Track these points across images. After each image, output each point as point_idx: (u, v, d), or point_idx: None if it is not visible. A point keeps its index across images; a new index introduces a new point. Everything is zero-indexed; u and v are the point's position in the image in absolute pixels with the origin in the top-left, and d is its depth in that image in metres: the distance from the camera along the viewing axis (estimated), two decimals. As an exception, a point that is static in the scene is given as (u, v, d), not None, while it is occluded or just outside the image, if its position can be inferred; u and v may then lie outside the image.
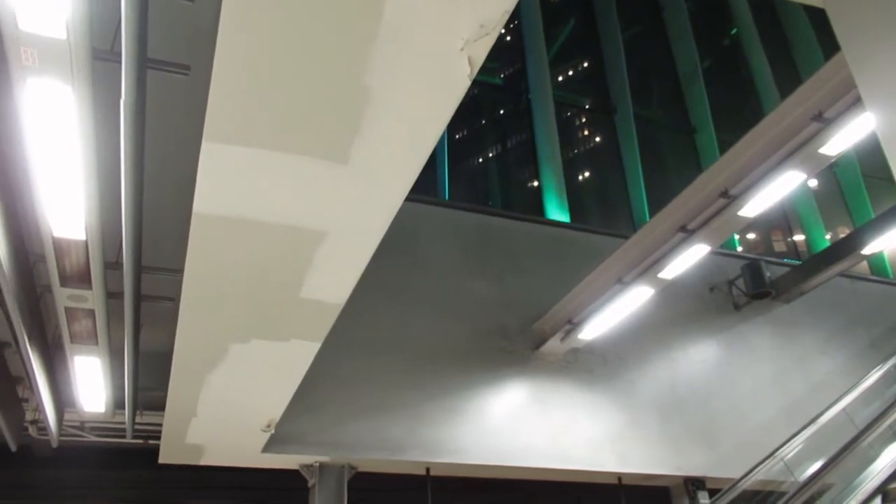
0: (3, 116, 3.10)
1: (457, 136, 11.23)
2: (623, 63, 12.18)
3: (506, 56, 12.06)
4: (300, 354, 4.94)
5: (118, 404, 6.21)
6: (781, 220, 12.63)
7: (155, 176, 4.33)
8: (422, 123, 2.93)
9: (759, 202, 5.79)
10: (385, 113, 2.87)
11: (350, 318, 7.69)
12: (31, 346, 4.67)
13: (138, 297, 4.64)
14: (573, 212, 10.39)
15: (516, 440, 7.97)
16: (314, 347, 4.87)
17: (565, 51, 13.28)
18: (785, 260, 11.39)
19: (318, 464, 7.40)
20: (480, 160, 11.80)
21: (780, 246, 12.97)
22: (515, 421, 8.09)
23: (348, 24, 2.50)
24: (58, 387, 5.79)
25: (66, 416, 6.62)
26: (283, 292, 4.16)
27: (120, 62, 2.75)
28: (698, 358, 9.43)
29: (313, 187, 3.29)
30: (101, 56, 2.84)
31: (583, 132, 12.93)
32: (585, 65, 13.29)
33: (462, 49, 2.58)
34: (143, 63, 2.96)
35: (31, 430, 6.99)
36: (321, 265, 3.90)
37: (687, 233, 6.31)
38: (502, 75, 12.40)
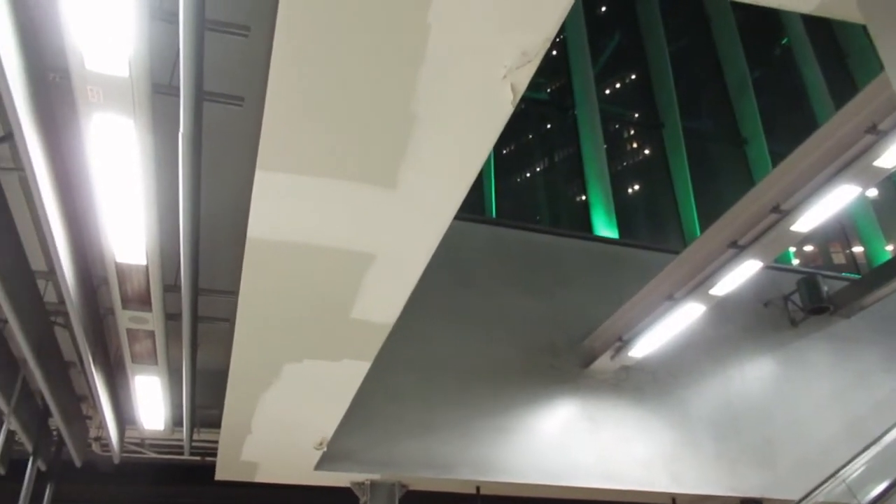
0: (70, 150, 3.27)
1: (503, 152, 11.29)
2: (670, 75, 12.08)
3: (552, 71, 12.07)
4: (351, 374, 5.03)
5: (176, 422, 6.39)
6: (839, 232, 12.29)
7: (211, 202, 4.49)
8: (466, 149, 2.98)
9: (813, 217, 5.67)
10: (431, 140, 2.94)
11: (400, 337, 7.77)
12: (94, 365, 4.86)
13: (195, 319, 4.79)
14: (622, 227, 10.32)
15: (566, 459, 7.91)
16: (364, 367, 4.95)
17: (612, 64, 13.24)
18: (843, 274, 11.07)
19: (369, 482, 7.47)
20: (528, 175, 11.83)
21: (838, 258, 12.61)
22: (566, 439, 8.03)
23: (394, 55, 2.58)
24: (119, 405, 6.00)
25: (128, 433, 6.85)
26: (334, 313, 4.25)
27: (178, 95, 2.88)
28: (754, 375, 9.22)
29: (362, 212, 3.37)
30: (161, 90, 2.98)
31: (631, 145, 12.84)
32: (632, 77, 13.21)
33: (505, 77, 2.63)
34: (200, 96, 3.10)
35: (95, 447, 7.25)
36: (370, 287, 3.98)
37: (738, 248, 6.22)
38: (549, 90, 12.42)
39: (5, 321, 4.42)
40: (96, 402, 5.39)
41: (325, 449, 6.45)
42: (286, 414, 5.72)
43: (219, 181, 4.38)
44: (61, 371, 5.38)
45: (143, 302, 4.38)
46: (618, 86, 13.29)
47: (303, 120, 2.87)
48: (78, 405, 6.21)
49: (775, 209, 5.80)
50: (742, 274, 6.44)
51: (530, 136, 12.13)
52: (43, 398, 5.43)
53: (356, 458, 7.21)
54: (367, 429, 7.31)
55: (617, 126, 12.57)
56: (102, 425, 6.07)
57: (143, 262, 3.98)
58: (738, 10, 13.39)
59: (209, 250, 4.69)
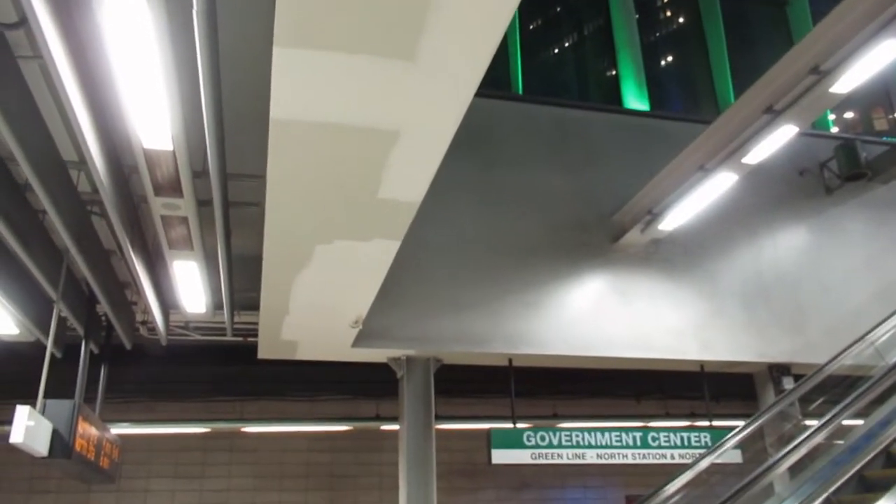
0: (87, 34, 3.22)
1: (530, 27, 10.87)
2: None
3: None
4: (381, 253, 5.11)
5: (217, 305, 6.63)
6: (882, 96, 11.81)
7: (233, 84, 4.45)
8: (487, 13, 2.87)
9: (854, 77, 5.43)
10: (450, 7, 2.83)
11: (429, 217, 7.87)
12: (134, 252, 5.00)
13: (226, 204, 4.86)
14: (654, 99, 10.03)
15: (597, 331, 8.08)
16: (394, 246, 5.02)
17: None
18: (884, 138, 10.72)
19: (405, 357, 7.76)
20: (556, 51, 11.42)
21: (881, 124, 12.18)
22: (596, 312, 8.18)
23: (408, -86, 2.45)
24: (161, 290, 6.22)
25: (172, 317, 7.14)
26: (362, 193, 4.27)
27: (189, -28, 2.79)
28: (786, 244, 9.17)
29: (383, 87, 3.31)
30: (171, -33, 2.88)
31: (664, 13, 12.25)
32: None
33: (525, -68, 2.49)
34: (210, -29, 3.00)
35: (142, 331, 7.59)
36: (396, 164, 3.97)
37: (773, 114, 6.02)
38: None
39: (44, 212, 4.53)
40: (139, 287, 5.59)
41: (360, 327, 6.67)
42: (321, 294, 5.88)
43: (239, 61, 4.32)
44: (103, 259, 5.54)
45: (174, 188, 4.44)
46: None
47: (316, -8, 2.77)
48: (122, 291, 6.44)
49: (814, 70, 5.56)
50: (777, 140, 6.27)
51: (558, 9, 11.61)
52: (88, 285, 5.63)
53: (391, 335, 7.46)
54: (401, 308, 7.52)
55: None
56: (147, 310, 6.32)
57: (170, 147, 3.99)
58: None
59: (236, 134, 4.69)
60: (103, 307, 5.90)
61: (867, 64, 5.29)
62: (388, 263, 5.31)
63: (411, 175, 4.10)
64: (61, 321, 6.06)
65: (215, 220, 4.82)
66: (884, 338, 7.48)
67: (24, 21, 2.81)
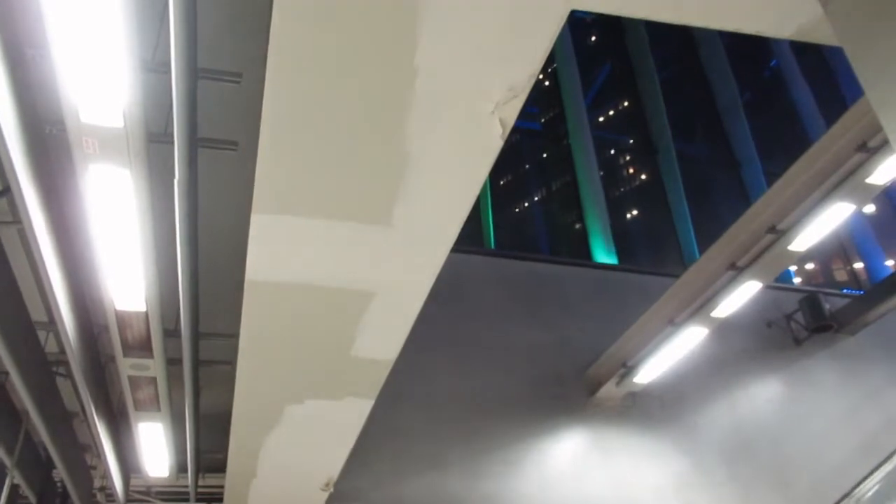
0: (68, 201, 3.30)
1: (501, 183, 11.36)
2: (661, 103, 12.21)
3: (545, 101, 12.21)
4: (354, 412, 4.99)
5: (181, 468, 6.33)
6: (839, 249, 12.31)
7: (209, 247, 4.52)
8: (459, 184, 3.02)
9: (809, 236, 5.69)
10: (423, 177, 2.97)
11: (403, 373, 7.75)
12: (97, 414, 4.83)
13: (197, 363, 4.78)
14: (621, 253, 10.34)
15: (578, 490, 7.82)
16: (368, 405, 4.92)
17: (604, 92, 13.41)
18: (845, 290, 11.06)
19: (377, 521, 7.37)
20: (526, 205, 11.89)
21: (840, 275, 12.60)
22: (576, 469, 7.96)
23: (384, 98, 2.62)
24: (123, 453, 5.95)
25: (133, 482, 6.77)
26: (335, 352, 4.24)
27: (173, 143, 2.92)
28: (762, 397, 9.16)
29: (359, 251, 3.39)
30: (156, 139, 3.01)
31: (627, 171, 12.94)
32: (625, 105, 13.36)
33: (493, 112, 2.67)
34: (195, 142, 3.14)
35: (100, 497, 7.16)
36: (370, 324, 3.98)
37: (737, 270, 6.23)
38: (542, 120, 12.54)
39: (6, 373, 4.41)
40: (100, 451, 5.35)
41: (331, 490, 6.37)
42: (291, 456, 5.66)
43: (216, 225, 4.41)
44: (64, 421, 5.35)
45: (144, 348, 4.38)
46: (611, 113, 13.45)
47: (296, 163, 2.90)
48: (82, 455, 6.15)
49: (771, 230, 5.82)
50: (742, 295, 6.45)
51: (527, 167, 12.22)
52: (45, 450, 5.39)
53: (364, 497, 7.14)
54: (374, 466, 7.25)
55: (612, 152, 12.67)
56: (106, 475, 6.01)
57: (143, 308, 3.99)
58: (726, 36, 13.58)
59: (209, 294, 4.69)
60: (60, 473, 5.60)
61: (821, 224, 5.57)
62: (361, 423, 5.18)
63: (386, 334, 4.10)
64: (13, 489, 5.74)
65: (184, 380, 4.71)
66: (870, 493, 7.33)
67: (7, 190, 2.87)
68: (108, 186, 3.11)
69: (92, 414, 4.73)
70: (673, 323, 7.06)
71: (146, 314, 4.03)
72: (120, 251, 3.52)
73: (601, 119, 12.88)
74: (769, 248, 5.92)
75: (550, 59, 12.14)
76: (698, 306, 6.72)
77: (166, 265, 3.81)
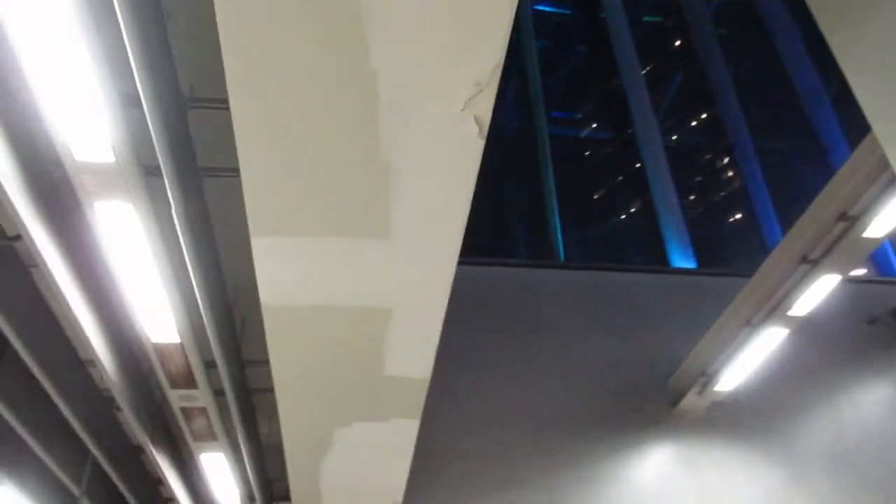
0: (83, 240, 3.42)
1: (573, 195, 11.13)
2: (735, 101, 11.66)
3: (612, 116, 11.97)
4: (402, 433, 4.92)
5: (252, 497, 6.43)
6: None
7: (244, 272, 4.59)
8: (447, 189, 2.92)
9: (885, 220, 5.20)
10: (409, 185, 2.89)
11: (471, 390, 7.67)
12: (158, 449, 4.98)
13: (243, 392, 4.85)
14: (701, 256, 9.87)
15: (665, 506, 7.42)
16: (414, 424, 4.84)
17: (678, 101, 13.00)
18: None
19: (451, 545, 7.24)
20: (599, 215, 11.59)
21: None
22: (661, 486, 7.56)
23: (350, 106, 2.57)
24: (193, 485, 6.10)
25: (211, 513, 6.94)
26: (368, 373, 4.20)
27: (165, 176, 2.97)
28: (867, 400, 8.44)
29: (363, 266, 3.34)
30: (154, 172, 3.07)
31: (707, 172, 12.41)
32: (699, 105, 12.85)
33: (464, 109, 2.57)
34: (190, 172, 3.20)
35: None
36: (395, 342, 3.91)
37: (810, 264, 5.77)
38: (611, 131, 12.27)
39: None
40: (169, 485, 5.51)
41: (399, 514, 6.31)
42: (351, 479, 5.65)
43: (245, 250, 4.47)
44: (129, 456, 5.54)
45: (189, 379, 4.48)
46: (685, 117, 12.97)
47: (279, 184, 2.89)
48: (156, 488, 6.36)
49: (842, 217, 5.37)
50: (820, 290, 5.96)
51: (595, 176, 11.93)
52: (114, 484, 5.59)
53: (436, 520, 7.03)
54: (444, 488, 7.13)
55: (687, 152, 12.20)
56: (180, 506, 6.18)
57: (178, 340, 4.08)
58: (802, 25, 12.88)
59: (256, 319, 4.76)
60: (134, 505, 5.80)
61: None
62: (412, 443, 5.10)
63: (413, 350, 4.02)
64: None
65: (231, 410, 4.79)
66: None
67: (18, 236, 3.01)
68: (115, 221, 3.21)
69: (149, 448, 4.87)
70: (749, 324, 6.62)
71: (182, 346, 4.12)
72: (142, 285, 3.62)
73: (675, 122, 12.47)
74: (842, 237, 5.45)
75: (615, 68, 11.84)
76: (773, 305, 6.26)
77: (194, 297, 3.88)
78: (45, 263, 3.15)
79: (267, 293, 3.50)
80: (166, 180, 2.93)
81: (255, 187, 2.88)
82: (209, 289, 3.67)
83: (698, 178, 12.15)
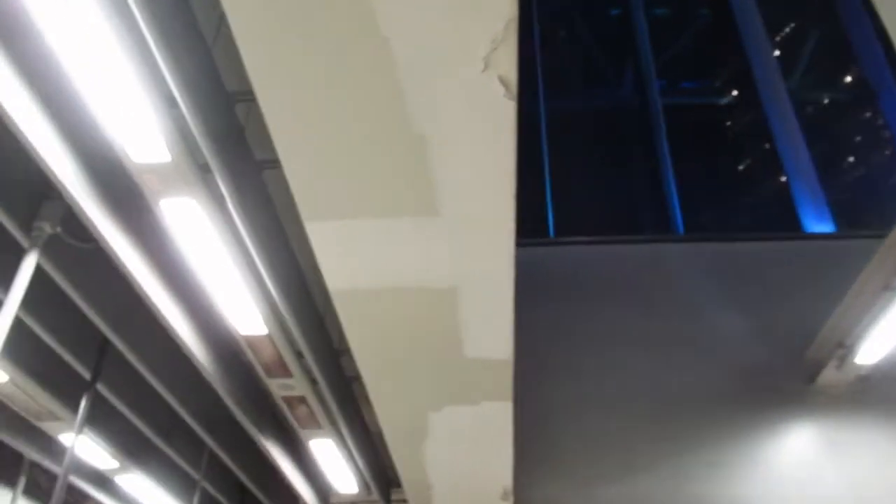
0: (159, 238, 3.60)
1: (688, 164, 10.54)
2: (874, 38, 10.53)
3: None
4: (497, 416, 4.84)
5: (367, 483, 6.58)
6: None
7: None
8: (487, 156, 2.80)
9: None
10: (447, 156, 2.81)
11: (589, 371, 7.42)
12: (266, 436, 5.20)
13: (337, 379, 4.95)
14: (840, 218, 9.02)
15: (807, 491, 6.83)
16: (507, 407, 4.74)
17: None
18: None
19: (572, 533, 7.05)
20: (716, 182, 10.89)
21: None
22: (800, 469, 6.96)
23: (370, 79, 2.53)
24: (308, 469, 6.32)
25: (332, 499, 7.18)
26: (448, 354, 4.14)
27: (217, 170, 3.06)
28: None
29: (420, 246, 3.29)
30: (207, 168, 3.16)
31: (837, 123, 11.34)
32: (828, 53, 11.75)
33: (485, 70, 2.45)
34: (250, 165, 3.28)
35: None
36: (469, 322, 3.84)
37: (953, 213, 5.08)
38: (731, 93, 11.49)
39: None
40: (281, 470, 5.74)
41: (511, 500, 6.22)
42: (455, 466, 5.64)
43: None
44: (246, 443, 5.81)
45: (283, 369, 4.63)
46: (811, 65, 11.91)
47: (320, 170, 2.89)
48: (274, 473, 6.64)
49: None
50: (970, 243, 5.22)
51: (716, 140, 11.22)
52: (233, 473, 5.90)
53: (557, 504, 6.87)
54: (563, 475, 6.94)
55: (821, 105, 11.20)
56: (299, 492, 6.43)
57: (265, 331, 4.22)
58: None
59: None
60: (254, 493, 6.10)
61: None
62: (509, 426, 5.00)
63: (489, 330, 3.92)
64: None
65: (325, 398, 4.90)
66: None
67: (92, 239, 3.20)
68: (182, 217, 3.35)
69: (257, 435, 5.09)
70: (889, 288, 5.93)
71: (269, 336, 4.26)
72: (218, 278, 3.76)
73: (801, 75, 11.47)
74: None
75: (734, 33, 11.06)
76: (915, 264, 5.57)
77: (279, 285, 3.98)
78: (125, 268, 3.34)
79: (331, 278, 3.52)
80: (216, 175, 3.01)
81: (298, 175, 2.90)
82: (280, 279, 3.75)
83: (857, 138, 11.14)
